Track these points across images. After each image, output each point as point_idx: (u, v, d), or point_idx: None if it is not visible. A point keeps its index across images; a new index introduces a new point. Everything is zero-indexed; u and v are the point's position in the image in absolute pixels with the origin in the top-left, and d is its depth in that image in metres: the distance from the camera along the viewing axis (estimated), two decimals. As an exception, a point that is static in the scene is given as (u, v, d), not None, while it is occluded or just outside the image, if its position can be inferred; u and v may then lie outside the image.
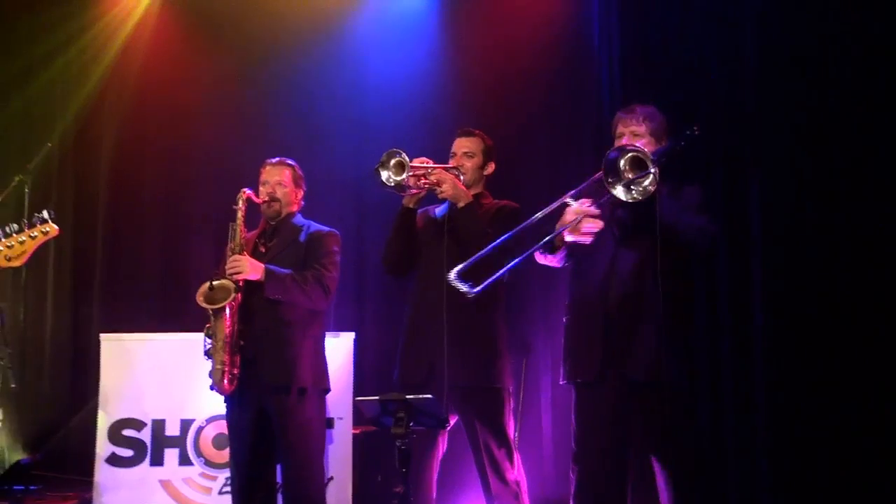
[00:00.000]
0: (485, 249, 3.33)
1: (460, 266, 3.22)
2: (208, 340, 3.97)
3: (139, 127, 6.12)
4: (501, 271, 3.24)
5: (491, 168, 4.06)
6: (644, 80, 5.19)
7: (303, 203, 4.31)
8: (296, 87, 5.97)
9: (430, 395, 3.26)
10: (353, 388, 4.92)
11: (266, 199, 4.16)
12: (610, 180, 3.21)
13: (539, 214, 3.33)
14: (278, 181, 4.19)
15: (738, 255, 4.78)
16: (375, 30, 6.03)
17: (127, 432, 4.93)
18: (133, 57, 6.13)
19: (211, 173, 5.94)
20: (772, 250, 4.71)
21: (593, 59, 5.52)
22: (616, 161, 3.23)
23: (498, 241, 3.36)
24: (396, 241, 3.97)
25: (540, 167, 5.59)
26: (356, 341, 5.07)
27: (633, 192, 3.22)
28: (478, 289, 3.18)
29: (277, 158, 4.27)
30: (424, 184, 3.86)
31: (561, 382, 3.56)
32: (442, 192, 3.84)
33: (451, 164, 4.02)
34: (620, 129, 3.52)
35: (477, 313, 3.81)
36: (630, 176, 3.20)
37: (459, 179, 3.93)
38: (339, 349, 4.89)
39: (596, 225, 3.28)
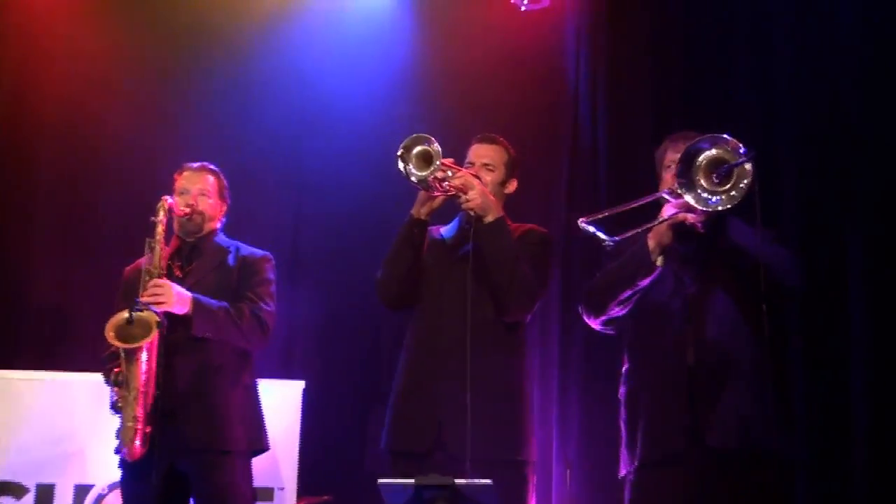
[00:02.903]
0: (625, 204, 3.00)
1: (591, 215, 2.95)
2: (116, 390, 3.36)
3: (31, 116, 5.22)
4: (638, 229, 2.92)
5: (513, 186, 3.40)
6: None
7: (224, 220, 3.75)
8: (228, 82, 5.21)
9: (488, 481, 2.61)
10: (300, 451, 4.28)
11: (188, 211, 3.59)
12: (682, 180, 2.81)
13: (638, 202, 3.02)
14: (201, 190, 3.67)
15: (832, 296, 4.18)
16: (328, 26, 5.34)
17: (3, 501, 4.19)
18: (26, 32, 5.24)
19: (116, 177, 5.13)
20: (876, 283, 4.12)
21: (568, 72, 5.01)
22: (696, 156, 2.82)
23: (648, 197, 3.01)
24: (401, 263, 3.24)
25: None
26: (307, 392, 4.35)
27: (721, 196, 2.79)
28: (618, 238, 2.87)
29: (199, 163, 3.74)
30: (449, 188, 3.16)
31: (623, 472, 3.01)
32: (468, 200, 3.14)
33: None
34: (671, 155, 3.08)
35: (504, 362, 3.17)
36: (704, 181, 2.81)
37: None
38: (284, 401, 4.28)
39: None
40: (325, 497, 4.34)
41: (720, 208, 2.78)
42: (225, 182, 3.75)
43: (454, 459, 2.96)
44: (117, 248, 4.78)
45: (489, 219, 3.13)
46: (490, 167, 3.31)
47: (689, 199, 2.80)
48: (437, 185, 3.12)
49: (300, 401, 4.34)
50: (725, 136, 2.81)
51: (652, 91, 4.68)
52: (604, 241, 2.86)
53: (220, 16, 5.23)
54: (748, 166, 2.75)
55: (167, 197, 3.56)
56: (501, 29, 5.12)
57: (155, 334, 3.32)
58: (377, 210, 4.80)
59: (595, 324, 3.12)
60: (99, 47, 5.20)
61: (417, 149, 3.06)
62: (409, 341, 3.28)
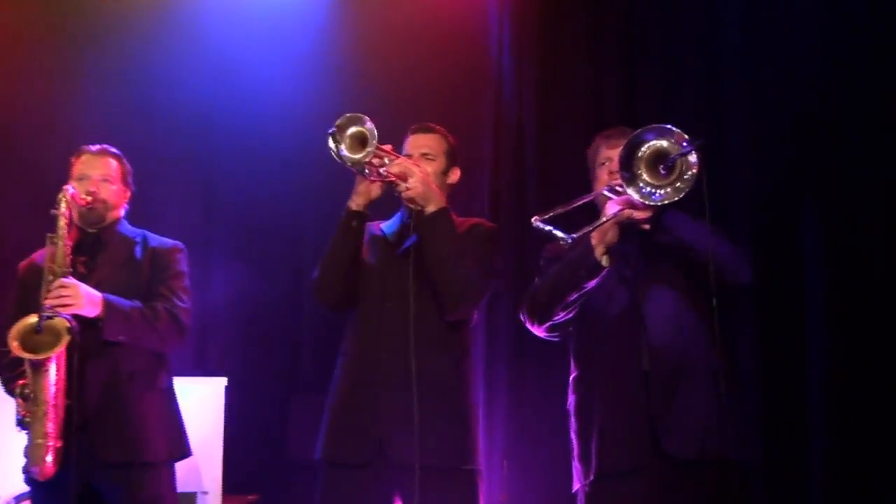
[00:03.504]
0: (583, 197, 2.87)
1: (545, 214, 2.79)
2: (22, 404, 3.06)
3: None
4: (595, 225, 2.76)
5: (455, 175, 3.18)
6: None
7: (128, 207, 3.47)
8: (132, 57, 4.83)
9: None
10: (225, 452, 4.04)
11: (89, 200, 3.29)
12: (625, 174, 2.68)
13: (579, 200, 2.88)
14: (103, 176, 3.37)
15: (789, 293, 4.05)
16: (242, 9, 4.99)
17: None
18: None
19: (10, 162, 4.73)
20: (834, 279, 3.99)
21: (491, 59, 4.77)
22: (638, 147, 2.68)
23: (588, 196, 2.90)
24: (341, 260, 2.99)
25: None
26: (229, 389, 4.09)
27: (665, 189, 2.66)
28: (576, 235, 2.72)
29: (99, 146, 3.44)
30: (386, 174, 2.92)
31: (577, 486, 2.87)
32: (407, 189, 2.90)
33: None
34: (606, 152, 2.95)
35: (448, 365, 2.98)
36: (647, 175, 2.68)
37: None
38: (206, 400, 4.04)
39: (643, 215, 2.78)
40: (252, 497, 4.17)
41: (666, 202, 2.65)
42: (128, 166, 3.46)
43: (397, 470, 2.79)
44: (12, 239, 4.47)
45: (431, 209, 2.91)
46: (430, 157, 3.10)
47: (631, 192, 2.66)
48: (374, 171, 2.89)
49: (223, 399, 4.09)
50: (669, 126, 2.67)
51: (587, 71, 4.48)
52: (562, 239, 2.71)
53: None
54: (692, 157, 2.61)
55: (69, 187, 3.24)
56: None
57: (65, 342, 3.03)
58: (295, 193, 4.61)
59: (539, 331, 2.97)
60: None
61: (351, 129, 2.82)
62: (347, 344, 3.06)
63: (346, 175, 3.00)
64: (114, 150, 3.44)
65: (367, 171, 2.87)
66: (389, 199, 3.06)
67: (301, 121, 4.58)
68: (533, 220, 2.79)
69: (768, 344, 4.07)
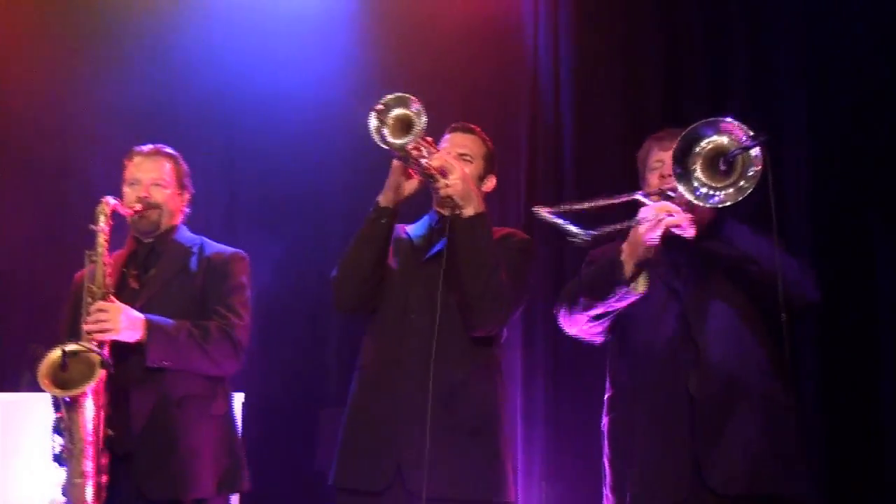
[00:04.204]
0: (592, 200, 2.55)
1: (558, 206, 2.50)
2: (58, 439, 2.86)
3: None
4: (617, 227, 2.49)
5: (491, 184, 2.96)
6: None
7: (187, 211, 3.27)
8: (150, 59, 4.66)
9: None
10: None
11: (139, 208, 3.08)
12: (678, 170, 2.44)
13: (607, 200, 2.60)
14: (154, 180, 3.15)
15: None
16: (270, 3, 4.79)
17: None
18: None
19: (31, 168, 4.54)
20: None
21: (526, 61, 4.55)
22: (695, 143, 2.43)
23: (623, 196, 2.56)
24: (365, 260, 2.76)
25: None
26: (246, 405, 3.84)
27: (724, 191, 2.40)
28: (594, 232, 2.43)
29: (151, 146, 3.22)
30: (427, 167, 2.68)
31: None
32: (447, 186, 2.65)
33: None
34: (658, 154, 2.75)
35: (478, 384, 2.74)
36: (702, 173, 2.42)
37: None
38: None
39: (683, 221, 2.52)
40: (271, 520, 3.98)
41: (728, 203, 2.39)
42: (184, 167, 3.25)
43: (417, 499, 2.55)
44: (30, 240, 4.44)
45: (469, 212, 2.66)
46: (467, 158, 2.87)
47: (683, 191, 2.41)
48: (414, 163, 2.65)
49: (240, 416, 3.75)
50: (730, 119, 2.44)
51: (628, 66, 4.24)
52: (575, 235, 2.43)
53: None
54: (754, 152, 2.37)
55: (108, 198, 3.04)
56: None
57: (100, 376, 2.84)
58: (320, 198, 4.44)
59: (571, 332, 2.80)
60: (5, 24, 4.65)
61: (397, 111, 2.57)
62: (365, 357, 2.83)
63: (377, 178, 2.79)
64: (168, 149, 3.22)
65: (407, 158, 2.64)
66: (415, 202, 2.85)
67: (328, 119, 4.40)
68: (538, 209, 2.54)
69: (834, 368, 3.79)
